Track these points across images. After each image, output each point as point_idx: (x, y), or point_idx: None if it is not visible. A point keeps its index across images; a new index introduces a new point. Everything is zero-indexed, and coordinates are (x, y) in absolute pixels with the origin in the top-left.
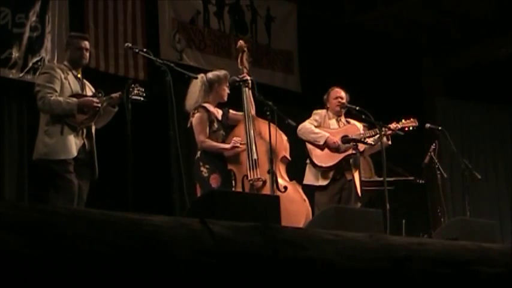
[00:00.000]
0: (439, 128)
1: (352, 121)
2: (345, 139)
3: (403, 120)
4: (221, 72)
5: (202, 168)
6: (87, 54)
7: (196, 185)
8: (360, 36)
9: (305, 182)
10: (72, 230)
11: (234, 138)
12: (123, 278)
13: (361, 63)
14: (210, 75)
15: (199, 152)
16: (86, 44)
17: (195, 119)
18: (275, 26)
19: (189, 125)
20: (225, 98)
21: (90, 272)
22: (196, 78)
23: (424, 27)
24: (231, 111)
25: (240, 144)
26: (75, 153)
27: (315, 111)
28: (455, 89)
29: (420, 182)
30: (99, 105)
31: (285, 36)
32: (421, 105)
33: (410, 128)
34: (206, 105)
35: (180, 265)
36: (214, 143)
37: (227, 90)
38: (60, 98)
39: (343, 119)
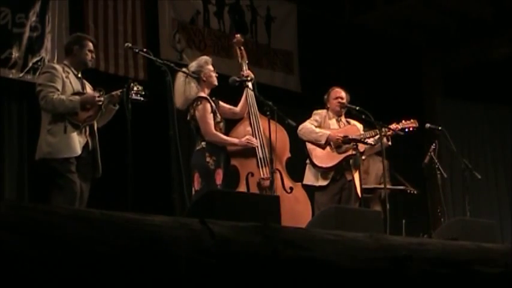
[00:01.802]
0: (439, 128)
1: (352, 121)
2: (345, 139)
3: (403, 121)
4: (201, 59)
5: (208, 159)
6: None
7: (195, 175)
8: (360, 36)
9: (305, 182)
10: (72, 230)
11: (247, 137)
12: (123, 278)
13: (361, 63)
14: (192, 68)
15: (204, 143)
16: (92, 46)
17: (199, 110)
18: (275, 26)
19: (189, 117)
20: (216, 81)
21: (90, 272)
22: (197, 78)
23: (424, 27)
24: (221, 102)
25: (252, 140)
26: (79, 151)
27: (315, 112)
28: (455, 89)
29: (412, 192)
30: (101, 100)
31: (285, 36)
32: (421, 105)
33: (411, 129)
34: (204, 95)
35: (180, 265)
36: (226, 137)
37: (215, 74)
38: (63, 96)
39: (343, 119)
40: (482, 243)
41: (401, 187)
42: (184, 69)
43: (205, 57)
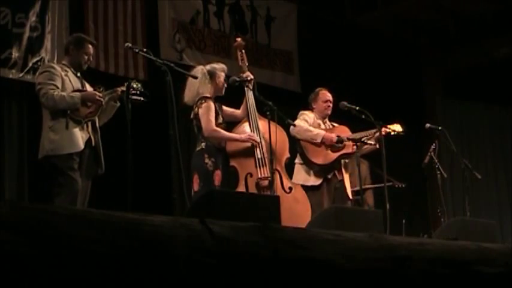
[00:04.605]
0: (439, 128)
1: (336, 124)
2: (339, 139)
3: (388, 125)
4: (219, 65)
5: (207, 161)
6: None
7: (194, 176)
8: (360, 36)
9: (294, 181)
10: (72, 230)
11: (250, 133)
12: (123, 278)
13: (361, 63)
14: (208, 67)
15: (203, 144)
16: (92, 50)
17: (202, 108)
18: (275, 26)
19: (192, 115)
20: (223, 91)
21: (90, 272)
22: (196, 78)
23: (424, 27)
24: (224, 107)
25: (254, 137)
26: (82, 146)
27: (302, 112)
28: (455, 89)
29: (400, 186)
30: (102, 99)
31: (285, 36)
32: (421, 105)
33: (397, 133)
34: (209, 95)
35: (180, 265)
36: (228, 133)
37: (225, 84)
38: (63, 93)
39: (328, 121)
40: (482, 243)
41: (388, 183)
42: (199, 67)
43: (223, 65)
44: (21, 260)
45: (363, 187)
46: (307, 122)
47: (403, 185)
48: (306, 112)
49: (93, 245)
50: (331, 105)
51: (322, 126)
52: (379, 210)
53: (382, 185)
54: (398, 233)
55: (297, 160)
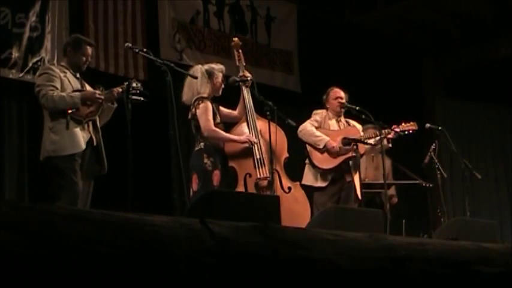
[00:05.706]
0: (439, 128)
1: (352, 122)
2: (345, 141)
3: (403, 124)
4: (218, 65)
5: (206, 160)
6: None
7: (193, 176)
8: (360, 36)
9: (304, 182)
10: (72, 230)
11: (247, 134)
12: (123, 278)
13: (361, 64)
14: (206, 66)
15: (202, 144)
16: (91, 51)
17: (200, 109)
18: (275, 26)
19: (190, 116)
20: (220, 92)
21: (90, 272)
22: (196, 78)
23: (424, 27)
24: (221, 107)
25: (251, 138)
26: (83, 146)
27: (315, 111)
28: (455, 89)
29: (428, 185)
30: (102, 97)
31: (285, 36)
32: (421, 105)
33: (410, 132)
34: (206, 96)
35: (180, 265)
36: (226, 133)
37: (222, 85)
38: (63, 93)
39: (342, 119)
40: (482, 243)
41: (416, 181)
42: (197, 67)
43: (222, 66)
44: (21, 260)
45: (389, 182)
46: (317, 122)
47: (431, 185)
48: (319, 111)
49: (93, 245)
50: (342, 101)
51: (335, 124)
52: (379, 210)
53: (405, 182)
54: (398, 233)
55: (307, 161)
